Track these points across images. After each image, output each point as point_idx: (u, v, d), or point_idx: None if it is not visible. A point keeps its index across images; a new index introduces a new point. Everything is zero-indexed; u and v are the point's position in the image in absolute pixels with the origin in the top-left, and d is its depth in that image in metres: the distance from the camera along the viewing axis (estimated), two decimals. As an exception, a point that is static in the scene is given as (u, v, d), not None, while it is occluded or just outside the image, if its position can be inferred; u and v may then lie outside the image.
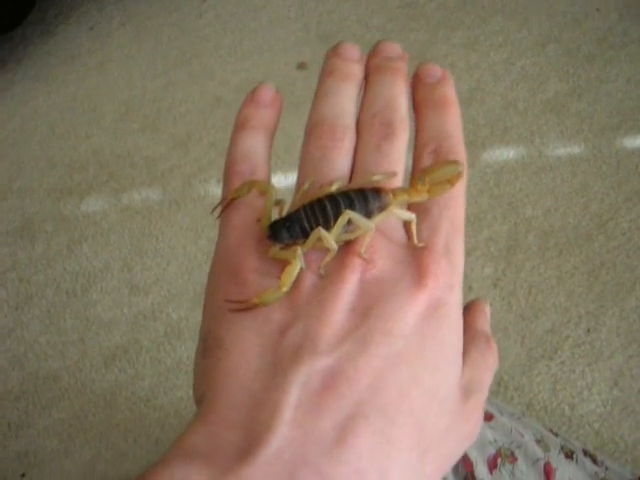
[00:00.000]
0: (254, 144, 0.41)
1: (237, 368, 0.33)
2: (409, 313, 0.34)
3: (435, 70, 0.43)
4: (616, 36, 1.99)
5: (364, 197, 0.37)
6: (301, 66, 2.04)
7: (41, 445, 1.44)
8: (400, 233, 0.38)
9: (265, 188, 0.39)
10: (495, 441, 0.70)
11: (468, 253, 1.53)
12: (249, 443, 0.29)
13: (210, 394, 0.33)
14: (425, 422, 0.33)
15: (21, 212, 1.85)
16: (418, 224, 0.37)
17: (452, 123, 0.41)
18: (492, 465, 0.67)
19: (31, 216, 1.83)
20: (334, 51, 0.44)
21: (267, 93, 0.44)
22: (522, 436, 0.73)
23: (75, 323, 1.61)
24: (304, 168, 0.40)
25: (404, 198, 0.38)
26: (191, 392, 0.36)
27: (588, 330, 1.43)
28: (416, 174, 0.38)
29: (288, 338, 0.33)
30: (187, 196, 1.79)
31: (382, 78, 0.42)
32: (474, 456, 0.66)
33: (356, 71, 0.43)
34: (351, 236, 0.36)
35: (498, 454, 0.69)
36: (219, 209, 0.39)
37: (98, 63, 2.23)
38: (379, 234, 0.37)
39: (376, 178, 0.38)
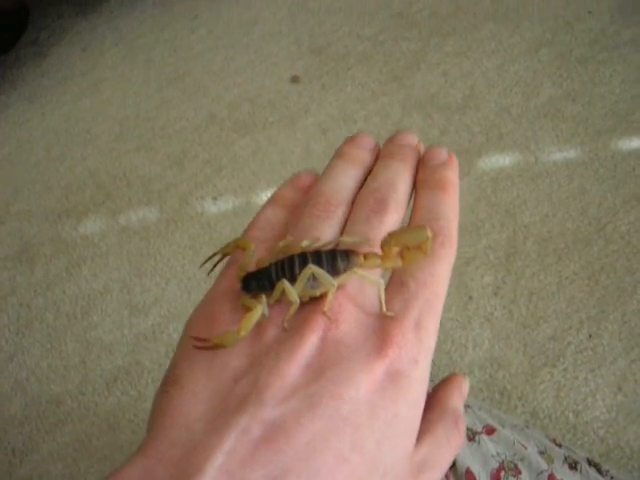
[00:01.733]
0: (276, 218, 0.43)
1: (185, 407, 0.33)
2: (363, 380, 0.34)
3: (441, 154, 0.44)
4: (608, 38, 1.99)
5: (333, 257, 0.38)
6: (294, 80, 2.04)
7: (46, 470, 1.44)
8: (372, 302, 0.38)
9: (245, 245, 0.40)
10: (498, 454, 0.70)
11: (467, 263, 1.54)
12: None
13: (155, 428, 0.33)
14: None
15: (19, 236, 1.85)
16: (393, 296, 0.38)
17: (448, 205, 0.41)
18: (496, 479, 0.67)
19: (29, 240, 1.83)
20: (350, 139, 0.46)
21: (308, 178, 0.45)
22: (525, 448, 0.73)
23: (76, 346, 1.60)
24: (292, 230, 0.41)
25: (375, 262, 0.38)
26: None
27: (590, 336, 1.42)
28: (382, 239, 0.38)
29: (239, 386, 0.33)
30: (184, 214, 1.79)
31: (389, 162, 0.43)
32: (477, 470, 0.66)
33: (365, 157, 0.44)
34: (316, 292, 0.37)
35: (502, 467, 0.68)
36: (209, 263, 0.44)
37: (92, 83, 2.23)
38: (348, 297, 0.37)
39: (348, 240, 0.39)
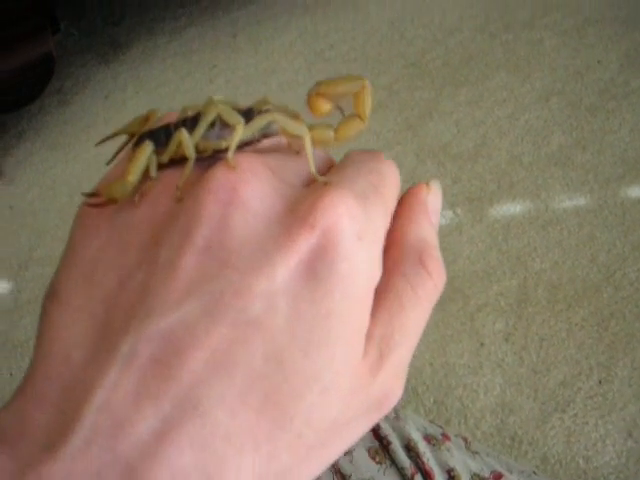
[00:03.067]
0: None
1: (64, 329, 0.26)
2: (280, 264, 0.25)
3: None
4: (618, 87, 2.03)
5: (248, 112, 0.30)
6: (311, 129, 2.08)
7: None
8: (293, 175, 0.30)
9: (153, 114, 0.33)
10: None
11: (478, 309, 1.56)
12: (57, 429, 0.23)
13: (34, 359, 0.26)
14: (291, 417, 0.25)
15: (42, 281, 1.87)
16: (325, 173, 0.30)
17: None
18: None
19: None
20: None
21: None
22: None
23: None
24: None
25: (300, 126, 0.30)
26: None
27: (600, 382, 1.44)
28: (309, 90, 0.32)
29: (126, 292, 0.26)
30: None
31: None
32: None
33: None
34: (223, 144, 0.29)
35: None
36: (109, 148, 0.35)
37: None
38: (259, 158, 0.28)
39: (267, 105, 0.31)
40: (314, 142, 0.29)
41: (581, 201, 1.76)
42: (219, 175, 0.26)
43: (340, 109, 0.31)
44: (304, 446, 0.25)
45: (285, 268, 0.25)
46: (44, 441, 0.23)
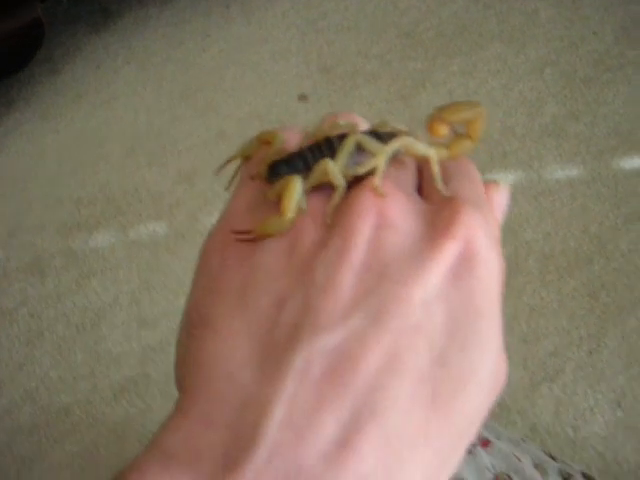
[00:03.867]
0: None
1: (224, 352, 0.27)
2: (432, 272, 0.28)
3: None
4: (613, 58, 2.01)
5: (377, 135, 0.33)
6: (302, 98, 2.07)
7: (54, 479, 1.46)
8: (415, 189, 0.34)
9: (272, 136, 0.34)
10: (493, 467, 0.71)
11: (469, 279, 1.55)
12: (235, 447, 0.25)
13: (191, 382, 0.28)
14: (453, 411, 0.27)
15: (31, 249, 1.87)
16: (445, 180, 0.33)
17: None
18: (490, 491, 0.68)
19: (41, 252, 1.86)
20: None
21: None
22: (520, 461, 0.73)
23: (85, 357, 1.63)
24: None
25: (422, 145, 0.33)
26: None
27: (590, 352, 1.43)
28: (431, 114, 0.34)
29: (286, 313, 0.27)
30: (193, 229, 1.82)
31: None
32: None
33: None
34: (362, 170, 0.31)
35: (496, 479, 0.70)
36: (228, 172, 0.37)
37: (104, 100, 2.26)
38: (391, 181, 0.31)
39: (391, 124, 0.35)
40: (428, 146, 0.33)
41: (574, 172, 1.75)
42: (366, 201, 0.29)
43: (455, 131, 0.35)
44: (460, 437, 0.28)
45: (436, 276, 0.28)
46: (222, 460, 0.24)
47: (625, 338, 1.45)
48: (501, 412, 1.37)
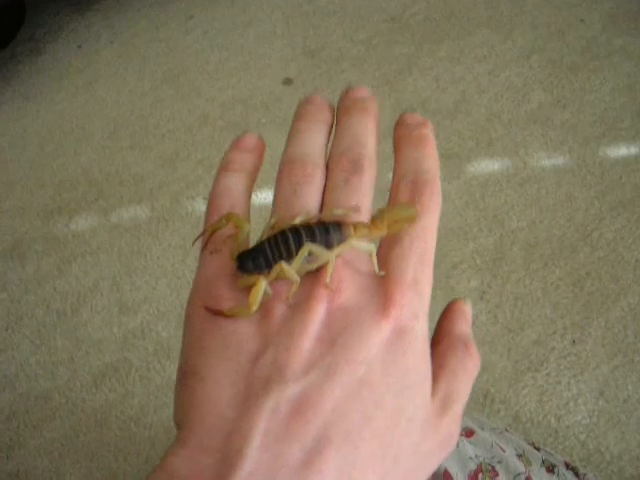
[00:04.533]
0: (235, 182, 0.43)
1: (211, 396, 0.35)
2: (372, 341, 0.35)
3: (416, 117, 0.44)
4: (600, 46, 2.00)
5: (325, 229, 0.38)
6: (287, 82, 2.05)
7: (33, 465, 1.45)
8: (367, 263, 0.39)
9: (239, 222, 0.40)
10: (476, 457, 0.70)
11: (454, 266, 1.55)
12: (224, 466, 0.31)
13: (188, 420, 0.35)
14: (390, 443, 0.34)
15: (11, 232, 1.85)
16: (388, 252, 0.39)
17: (430, 159, 0.42)
18: (473, 481, 0.67)
19: (21, 236, 1.84)
20: (305, 100, 0.46)
21: (250, 140, 0.45)
22: (503, 451, 0.73)
23: (65, 343, 1.61)
24: (277, 202, 0.41)
25: (364, 232, 0.39)
26: None
27: (574, 341, 1.43)
28: (373, 214, 0.40)
29: (259, 367, 0.34)
30: (175, 213, 1.80)
31: (350, 118, 0.43)
32: (455, 472, 0.66)
33: (326, 116, 0.44)
34: (314, 266, 0.38)
35: (479, 469, 0.69)
36: (199, 240, 0.42)
37: (86, 81, 2.24)
38: (345, 264, 0.38)
39: (338, 212, 0.39)
40: (373, 236, 0.40)
41: (560, 160, 1.74)
42: (321, 290, 0.36)
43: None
44: (402, 468, 0.35)
45: (375, 342, 0.35)
46: (214, 476, 0.32)
47: (609, 328, 1.44)
48: (484, 401, 1.36)
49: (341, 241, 0.38)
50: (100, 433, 1.46)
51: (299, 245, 0.38)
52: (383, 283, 0.37)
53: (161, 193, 1.86)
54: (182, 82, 2.15)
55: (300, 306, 0.37)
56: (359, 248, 0.39)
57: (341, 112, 0.44)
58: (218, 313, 0.37)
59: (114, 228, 1.81)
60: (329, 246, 0.38)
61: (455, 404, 0.38)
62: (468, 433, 0.74)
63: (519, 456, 0.76)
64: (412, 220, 0.39)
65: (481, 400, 1.37)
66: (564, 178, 1.70)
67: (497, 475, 0.69)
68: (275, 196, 0.42)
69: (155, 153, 1.96)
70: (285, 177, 0.42)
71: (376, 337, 0.35)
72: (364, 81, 2.00)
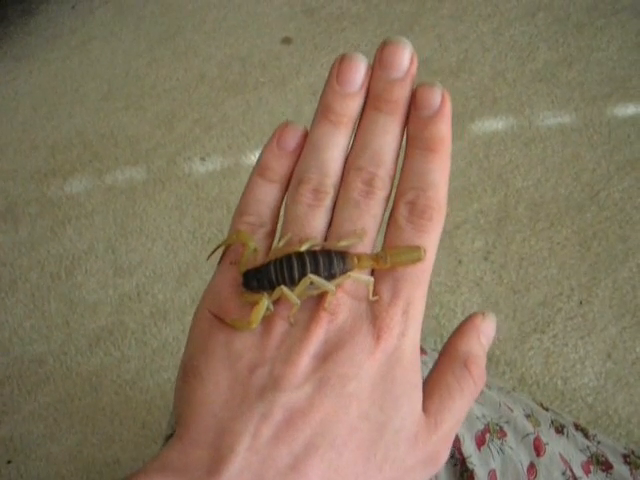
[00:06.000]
0: (267, 194, 0.43)
1: (210, 397, 0.38)
2: (364, 360, 0.38)
3: (434, 97, 0.40)
4: (607, 4, 1.95)
5: (329, 260, 0.40)
6: (286, 40, 2.01)
7: (27, 430, 1.43)
8: (363, 289, 0.40)
9: (246, 240, 0.41)
10: (483, 416, 0.69)
11: (457, 227, 1.52)
12: (216, 461, 0.35)
13: (185, 416, 0.38)
14: (375, 452, 0.37)
15: (4, 195, 1.83)
16: (383, 276, 0.40)
17: (438, 170, 0.41)
18: (480, 441, 0.65)
19: (14, 199, 1.81)
20: (337, 75, 0.41)
21: (295, 137, 0.43)
22: (511, 411, 0.72)
23: (59, 306, 1.59)
24: (287, 221, 0.42)
25: (368, 264, 0.41)
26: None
27: (581, 302, 1.41)
28: (379, 252, 0.40)
29: (256, 376, 0.37)
30: (172, 174, 1.77)
31: (375, 120, 0.41)
32: (461, 432, 0.65)
33: (353, 110, 0.42)
34: (315, 292, 0.40)
35: (487, 430, 0.67)
36: (216, 253, 0.45)
37: (80, 42, 2.20)
38: (344, 290, 0.40)
39: (344, 243, 0.41)
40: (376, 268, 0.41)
41: (566, 119, 1.71)
42: (320, 314, 0.39)
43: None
44: (383, 478, 0.38)
45: (365, 361, 0.38)
46: (206, 469, 0.35)
47: (617, 288, 1.41)
48: (489, 363, 1.34)
49: (343, 271, 0.40)
50: (95, 397, 1.44)
51: (302, 273, 0.40)
52: (375, 309, 0.39)
53: (157, 154, 1.82)
54: (178, 42, 2.11)
55: (300, 325, 0.39)
56: (359, 280, 0.40)
57: (370, 101, 0.42)
58: (222, 322, 0.40)
59: (109, 190, 1.78)
60: (332, 275, 0.40)
61: (446, 423, 0.40)
62: (475, 392, 0.72)
63: (527, 416, 0.75)
64: (417, 261, 0.40)
65: (486, 362, 1.34)
66: (570, 137, 1.66)
67: (505, 435, 0.68)
68: (286, 214, 0.42)
69: (151, 114, 1.92)
70: (298, 197, 0.42)
71: (367, 357, 0.38)
72: (365, 40, 1.96)
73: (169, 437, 0.71)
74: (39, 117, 2.00)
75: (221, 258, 0.44)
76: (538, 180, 1.59)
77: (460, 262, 1.47)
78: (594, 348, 1.35)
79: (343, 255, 0.40)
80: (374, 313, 0.39)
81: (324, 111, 0.42)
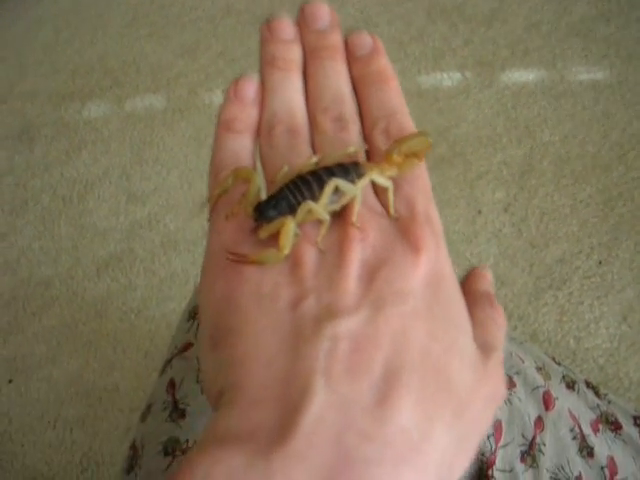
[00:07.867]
0: (240, 146, 0.41)
1: (258, 349, 0.33)
2: (410, 274, 0.34)
3: (365, 40, 0.43)
4: (651, -40, 1.90)
5: (344, 169, 0.38)
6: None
7: (29, 351, 1.42)
8: (378, 206, 0.38)
9: (249, 175, 0.38)
10: None
11: (479, 176, 1.48)
12: (286, 416, 0.29)
13: (232, 381, 0.32)
14: (451, 378, 0.33)
15: (21, 116, 1.81)
16: (395, 196, 0.38)
17: (395, 98, 0.41)
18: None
19: (31, 120, 1.79)
20: (269, 31, 0.43)
21: (251, 88, 0.42)
22: (522, 362, 0.70)
23: (69, 230, 1.57)
24: (271, 162, 0.40)
25: (379, 167, 0.39)
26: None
27: (600, 262, 1.38)
28: (388, 148, 0.39)
29: (302, 310, 0.33)
30: (192, 105, 1.74)
31: (322, 65, 0.42)
32: None
33: (296, 55, 0.43)
34: (337, 206, 0.37)
35: None
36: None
37: (107, -34, 2.16)
38: (362, 205, 0.38)
39: (351, 150, 0.39)
40: (386, 176, 0.39)
41: (599, 75, 1.66)
42: (350, 230, 0.35)
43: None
44: (459, 405, 0.33)
45: (415, 277, 0.34)
46: (277, 429, 0.29)
47: (638, 250, 1.39)
48: (502, 316, 1.31)
49: (360, 177, 0.38)
50: (99, 323, 1.42)
51: (321, 185, 0.37)
52: (402, 224, 0.37)
53: (179, 84, 1.80)
54: (207, -28, 2.07)
55: (333, 250, 0.36)
56: (380, 183, 0.38)
57: (309, 54, 0.43)
58: (244, 261, 0.35)
59: (128, 117, 1.75)
60: (350, 182, 0.38)
61: (495, 351, 0.37)
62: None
63: (539, 369, 0.73)
64: (427, 149, 0.39)
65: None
66: (603, 94, 1.62)
67: (514, 386, 0.66)
68: (266, 158, 0.41)
69: (175, 43, 1.89)
70: (274, 140, 0.40)
71: (412, 271, 0.35)
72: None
73: (169, 361, 0.69)
74: (61, 41, 1.98)
75: (210, 217, 0.40)
76: (565, 135, 1.55)
77: (479, 212, 1.44)
78: (610, 309, 1.33)
79: (355, 164, 0.38)
80: (401, 229, 0.37)
81: (271, 61, 0.42)
